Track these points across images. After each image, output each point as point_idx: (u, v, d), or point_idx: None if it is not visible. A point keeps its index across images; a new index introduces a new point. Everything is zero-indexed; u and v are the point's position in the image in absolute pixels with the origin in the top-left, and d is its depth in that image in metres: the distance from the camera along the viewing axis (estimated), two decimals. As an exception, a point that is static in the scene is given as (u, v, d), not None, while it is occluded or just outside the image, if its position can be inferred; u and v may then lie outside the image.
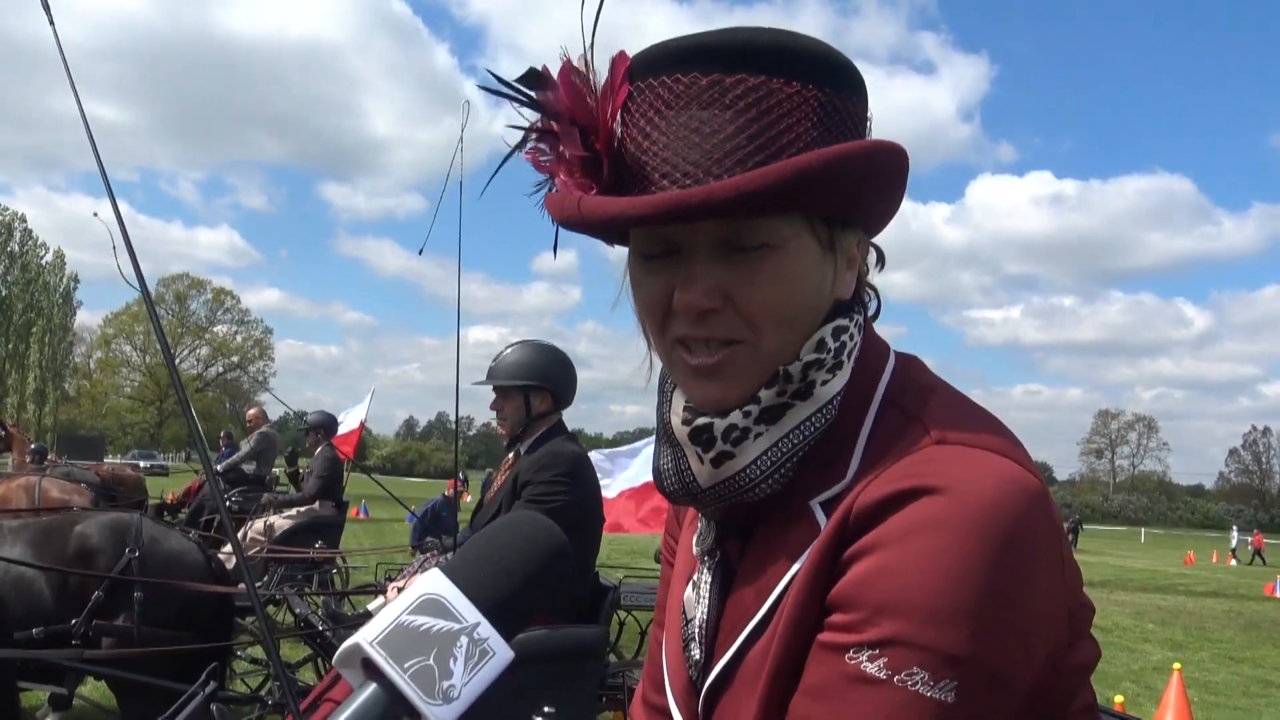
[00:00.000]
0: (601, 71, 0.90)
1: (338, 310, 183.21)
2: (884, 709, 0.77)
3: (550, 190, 0.95)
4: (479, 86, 0.94)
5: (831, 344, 0.92)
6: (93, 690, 4.71)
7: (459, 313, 5.06)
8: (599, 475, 8.33)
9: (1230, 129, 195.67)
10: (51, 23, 1.93)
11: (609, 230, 0.94)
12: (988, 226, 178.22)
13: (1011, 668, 0.79)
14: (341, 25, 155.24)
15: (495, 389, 3.78)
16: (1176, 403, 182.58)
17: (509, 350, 3.81)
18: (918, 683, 0.77)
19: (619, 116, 0.90)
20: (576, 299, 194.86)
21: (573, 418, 3.85)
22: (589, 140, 0.90)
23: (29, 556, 4.03)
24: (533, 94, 0.91)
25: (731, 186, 0.82)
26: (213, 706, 3.04)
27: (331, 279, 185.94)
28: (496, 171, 0.97)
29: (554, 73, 0.90)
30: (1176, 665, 8.03)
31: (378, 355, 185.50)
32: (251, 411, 10.85)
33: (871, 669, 0.78)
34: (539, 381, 3.70)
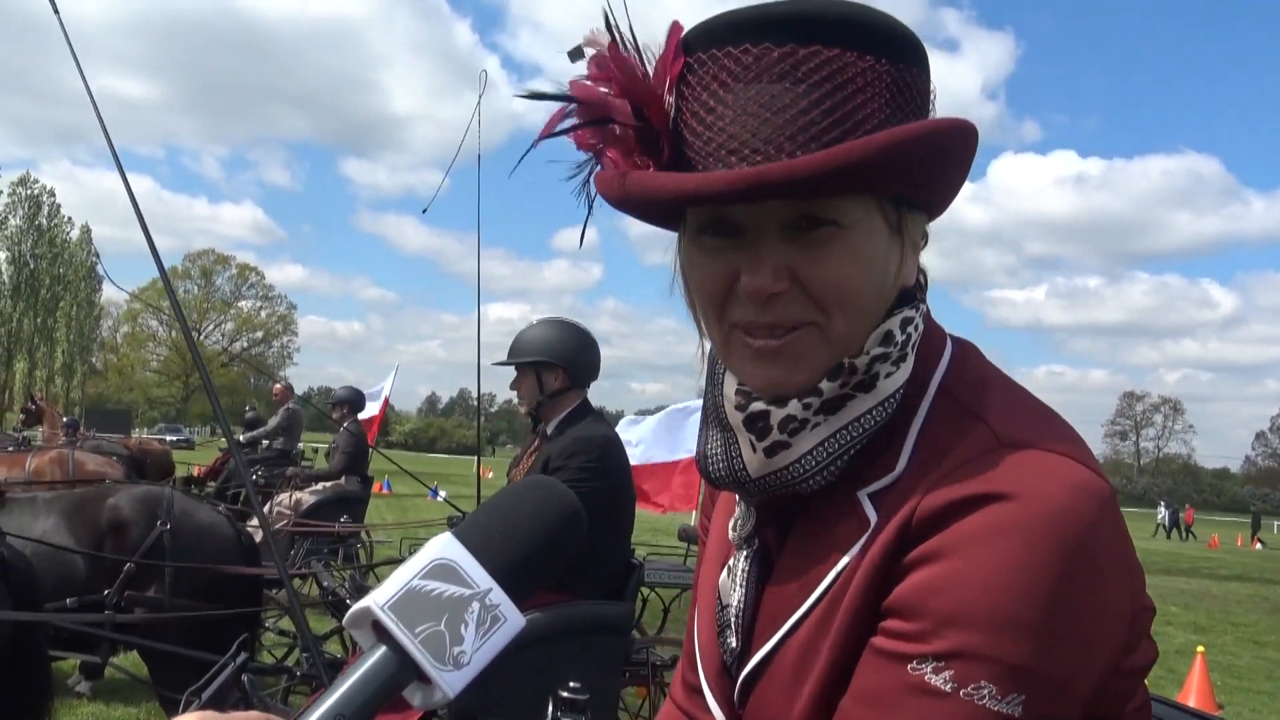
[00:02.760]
0: (649, 44, 0.86)
1: (359, 286, 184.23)
2: None
3: (597, 170, 0.91)
4: (518, 96, 0.90)
5: (899, 336, 0.88)
6: (124, 659, 4.78)
7: (479, 287, 5.08)
8: (657, 442, 8.41)
9: (1259, 108, 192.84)
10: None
11: (670, 210, 0.89)
12: (1010, 206, 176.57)
13: (1076, 679, 0.77)
14: (363, 1, 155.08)
15: (515, 367, 3.72)
16: (1202, 385, 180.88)
17: (528, 327, 3.75)
18: (985, 696, 0.74)
19: (676, 90, 0.85)
20: (598, 276, 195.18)
21: (593, 395, 3.81)
22: (644, 116, 0.85)
23: (62, 528, 4.09)
24: (566, 100, 0.87)
25: (816, 162, 0.78)
26: (244, 677, 3.07)
27: (353, 255, 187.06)
28: (533, 145, 0.91)
29: (595, 50, 0.86)
30: (1200, 648, 8.00)
31: (399, 331, 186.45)
32: (277, 387, 10.92)
33: (936, 681, 0.76)
34: (550, 358, 3.62)
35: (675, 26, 0.86)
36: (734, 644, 0.97)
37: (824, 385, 0.87)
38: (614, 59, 0.86)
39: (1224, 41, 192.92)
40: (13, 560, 3.32)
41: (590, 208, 0.93)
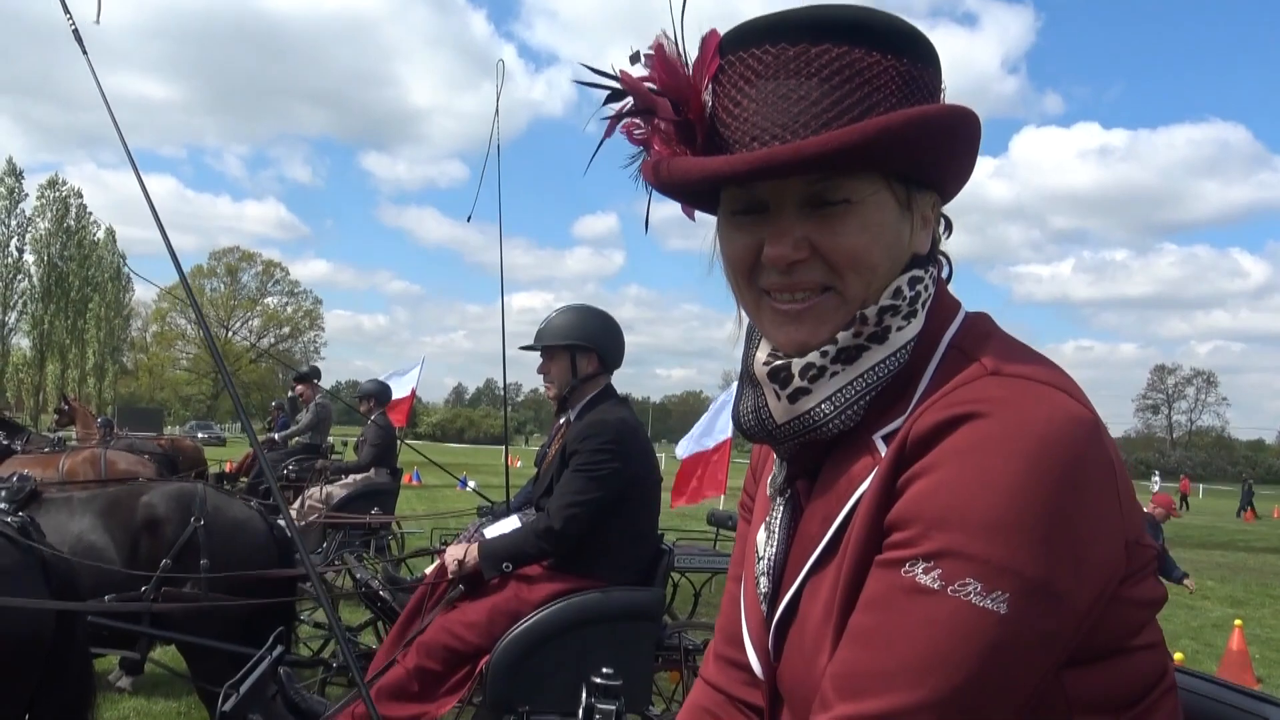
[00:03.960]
0: (693, 50, 0.97)
1: (383, 280, 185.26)
2: (936, 618, 0.80)
3: (645, 160, 1.01)
4: (577, 82, 1.02)
5: (907, 292, 0.97)
6: (162, 654, 4.85)
7: (502, 277, 5.09)
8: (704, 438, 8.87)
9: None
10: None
11: (703, 190, 1.00)
12: (1034, 181, 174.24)
13: (1064, 585, 0.80)
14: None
15: (542, 352, 3.77)
16: (1234, 356, 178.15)
17: (555, 314, 3.81)
18: (970, 593, 0.79)
19: (710, 88, 0.97)
20: (620, 263, 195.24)
21: (618, 381, 3.83)
22: (682, 110, 0.97)
23: (98, 527, 4.15)
24: (616, 83, 0.98)
25: (819, 142, 0.88)
26: (280, 670, 3.11)
27: (377, 249, 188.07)
28: (600, 144, 1.02)
29: (648, 52, 0.97)
30: (1237, 622, 7.92)
31: (424, 323, 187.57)
32: (302, 385, 10.99)
33: (925, 580, 0.81)
34: (585, 342, 3.68)
35: (712, 34, 0.97)
36: (765, 588, 1.04)
37: (839, 335, 0.97)
38: (659, 58, 0.97)
39: (1248, 6, 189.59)
40: (53, 561, 3.37)
41: (651, 193, 1.04)
